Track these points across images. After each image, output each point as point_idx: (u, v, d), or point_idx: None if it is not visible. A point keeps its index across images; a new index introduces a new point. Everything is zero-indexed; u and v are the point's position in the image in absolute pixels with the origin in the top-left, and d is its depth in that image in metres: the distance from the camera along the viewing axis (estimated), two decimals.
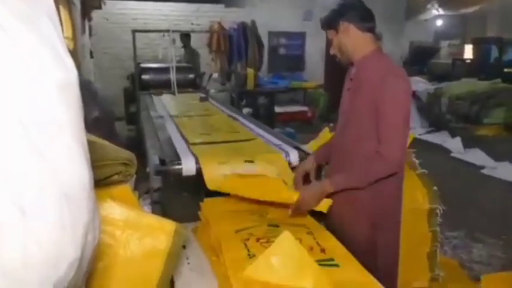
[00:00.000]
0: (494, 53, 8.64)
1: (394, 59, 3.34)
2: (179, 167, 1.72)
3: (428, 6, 9.35)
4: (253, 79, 6.69)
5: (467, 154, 5.50)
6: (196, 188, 1.91)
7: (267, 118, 6.17)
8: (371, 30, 1.56)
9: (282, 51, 9.05)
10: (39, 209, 0.48)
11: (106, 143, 1.26)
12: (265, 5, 8.38)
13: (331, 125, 2.35)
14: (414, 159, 2.04)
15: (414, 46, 10.06)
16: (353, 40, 1.55)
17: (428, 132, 6.76)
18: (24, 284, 0.47)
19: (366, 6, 1.57)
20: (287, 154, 1.89)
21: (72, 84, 0.56)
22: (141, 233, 1.02)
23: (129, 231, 1.01)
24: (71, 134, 0.54)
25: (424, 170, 2.04)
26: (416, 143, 2.12)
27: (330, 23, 1.58)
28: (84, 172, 0.55)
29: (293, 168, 1.85)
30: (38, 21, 0.53)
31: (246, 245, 1.34)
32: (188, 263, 1.37)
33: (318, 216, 1.58)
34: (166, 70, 4.47)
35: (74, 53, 4.09)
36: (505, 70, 7.89)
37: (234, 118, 2.91)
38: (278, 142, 2.09)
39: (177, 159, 1.76)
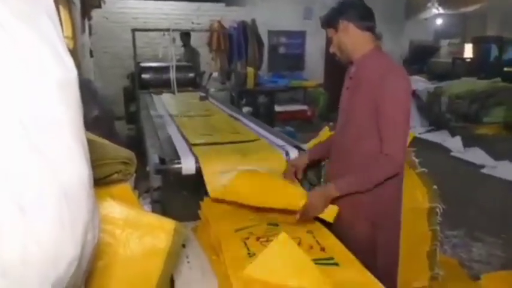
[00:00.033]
0: (494, 52, 8.62)
1: (394, 58, 3.33)
2: (179, 166, 1.72)
3: (428, 5, 9.33)
4: (253, 78, 6.70)
5: (467, 153, 5.50)
6: (196, 187, 1.91)
7: (267, 117, 6.17)
8: (370, 29, 1.56)
9: (282, 50, 9.03)
10: (39, 208, 0.48)
11: (106, 142, 1.26)
12: (265, 4, 8.36)
13: (331, 124, 2.34)
14: (414, 158, 2.04)
15: (414, 45, 10.04)
16: (352, 39, 1.55)
17: (428, 131, 6.74)
18: (23, 282, 0.47)
19: (365, 5, 1.57)
20: (287, 153, 1.89)
21: (72, 84, 0.55)
22: (141, 232, 1.02)
23: (128, 230, 1.00)
24: (71, 133, 0.54)
25: (423, 169, 2.04)
26: (416, 142, 2.12)
27: (330, 21, 1.58)
28: (84, 171, 0.55)
29: None
30: (37, 20, 0.53)
31: (245, 244, 1.34)
32: (188, 262, 1.37)
33: (324, 224, 1.56)
34: (166, 69, 4.46)
35: (74, 52, 4.09)
36: (505, 69, 7.86)
37: (235, 118, 2.88)
38: (281, 143, 2.06)
39: (177, 158, 1.76)
